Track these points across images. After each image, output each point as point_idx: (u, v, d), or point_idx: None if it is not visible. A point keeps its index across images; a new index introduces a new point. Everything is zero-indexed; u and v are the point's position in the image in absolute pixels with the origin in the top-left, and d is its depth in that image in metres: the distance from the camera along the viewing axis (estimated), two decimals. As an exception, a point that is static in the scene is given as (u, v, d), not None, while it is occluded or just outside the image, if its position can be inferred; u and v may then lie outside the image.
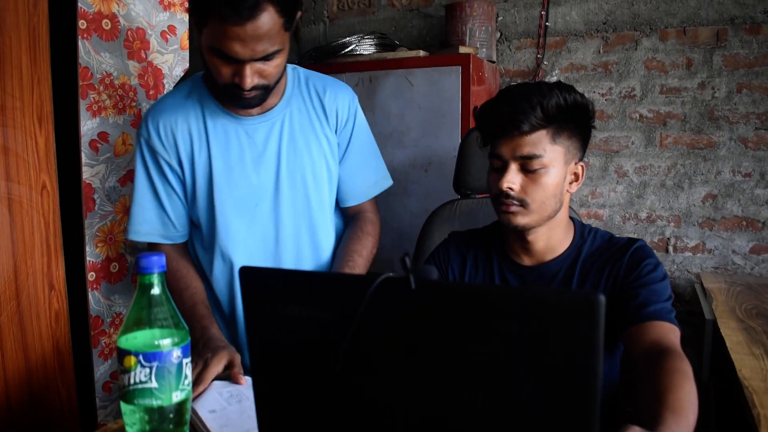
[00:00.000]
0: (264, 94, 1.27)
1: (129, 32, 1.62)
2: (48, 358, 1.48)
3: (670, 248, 2.53)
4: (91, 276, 1.59)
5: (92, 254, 1.59)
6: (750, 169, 2.39)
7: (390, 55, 2.46)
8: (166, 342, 0.82)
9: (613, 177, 2.59)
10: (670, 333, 1.08)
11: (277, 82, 1.27)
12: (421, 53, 2.41)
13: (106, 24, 1.56)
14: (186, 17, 1.78)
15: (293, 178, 1.38)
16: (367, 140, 1.51)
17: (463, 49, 2.35)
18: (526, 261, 1.27)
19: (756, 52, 2.34)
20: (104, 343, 1.64)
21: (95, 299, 1.60)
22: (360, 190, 1.50)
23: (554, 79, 2.62)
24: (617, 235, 1.27)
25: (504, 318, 0.59)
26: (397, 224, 2.47)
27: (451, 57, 2.35)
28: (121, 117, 1.62)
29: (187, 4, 1.78)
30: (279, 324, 0.73)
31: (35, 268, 1.46)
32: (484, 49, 2.49)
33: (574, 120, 1.16)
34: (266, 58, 1.18)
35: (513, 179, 1.16)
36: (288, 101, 1.38)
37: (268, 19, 1.12)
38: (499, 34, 2.70)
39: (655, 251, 1.39)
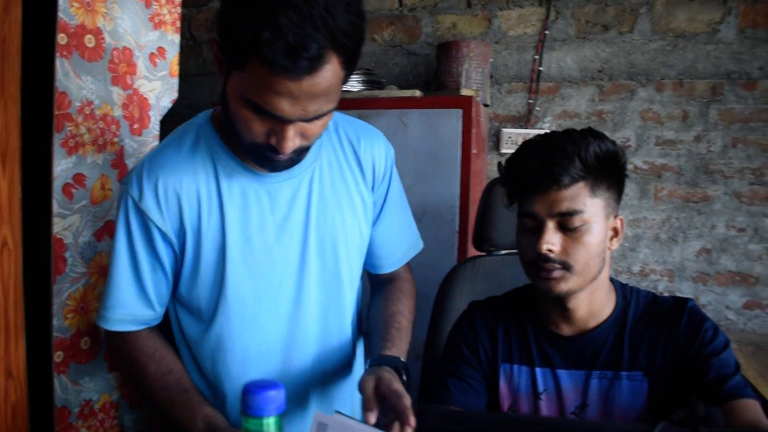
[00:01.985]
0: (299, 157, 1.01)
1: (115, 52, 1.32)
2: (0, 464, 1.13)
3: (665, 304, 2.45)
4: (58, 356, 1.25)
5: (60, 329, 1.25)
6: (744, 224, 2.36)
7: (382, 93, 2.26)
8: None
9: (607, 229, 2.49)
10: (758, 412, 0.98)
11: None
12: (417, 93, 2.22)
13: (89, 41, 1.26)
14: (177, 39, 1.50)
15: (322, 248, 1.12)
16: (403, 198, 1.29)
17: (465, 91, 2.19)
18: (566, 330, 1.12)
19: (751, 108, 2.33)
20: (70, 439, 1.30)
21: (62, 385, 1.26)
22: (397, 256, 1.28)
23: (546, 126, 2.51)
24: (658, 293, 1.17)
25: None
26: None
27: (451, 99, 2.18)
28: (101, 156, 1.31)
29: (179, 24, 1.50)
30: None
31: (-10, 351, 1.12)
32: (480, 92, 2.34)
33: (611, 169, 1.05)
34: (318, 117, 0.93)
35: (552, 240, 1.02)
36: (317, 153, 1.12)
37: (330, 73, 0.87)
38: (489, 77, 2.57)
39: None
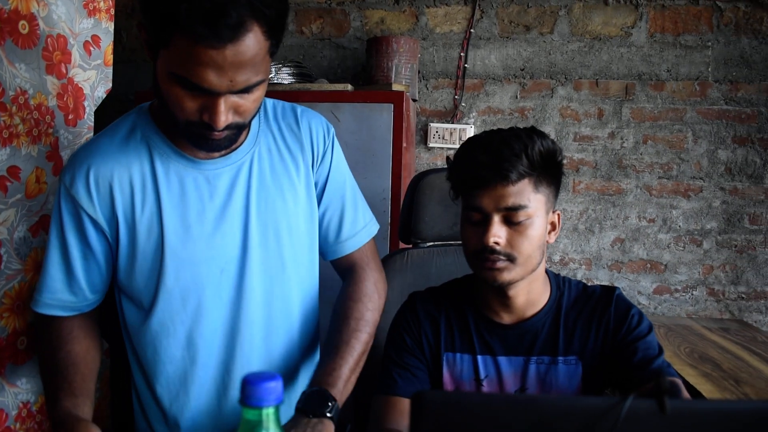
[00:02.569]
0: (236, 135, 1.00)
1: (49, 39, 1.27)
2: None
3: (583, 291, 2.59)
4: (-10, 357, 1.19)
5: (-8, 327, 1.19)
6: (654, 215, 2.53)
7: (314, 86, 2.26)
8: None
9: (530, 221, 2.60)
10: (682, 390, 1.06)
11: (252, 119, 1.02)
12: (349, 87, 2.24)
13: (23, 27, 1.20)
14: (111, 27, 1.45)
15: (265, 234, 1.11)
16: (348, 176, 1.26)
17: (396, 87, 2.23)
18: (506, 319, 1.17)
19: (660, 107, 2.50)
20: (3, 444, 1.23)
21: (-5, 387, 1.20)
22: (348, 237, 1.23)
23: (472, 121, 2.60)
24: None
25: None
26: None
27: (382, 94, 2.21)
28: (36, 147, 1.25)
29: (113, 12, 1.45)
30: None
31: None
32: (410, 88, 2.39)
33: (552, 167, 1.11)
34: (246, 90, 0.93)
35: (498, 233, 1.06)
36: (255, 138, 1.12)
37: (253, 41, 0.88)
38: (417, 73, 2.62)
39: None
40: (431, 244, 1.70)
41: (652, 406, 0.50)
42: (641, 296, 2.56)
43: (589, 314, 1.15)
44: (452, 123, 2.60)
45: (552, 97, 2.55)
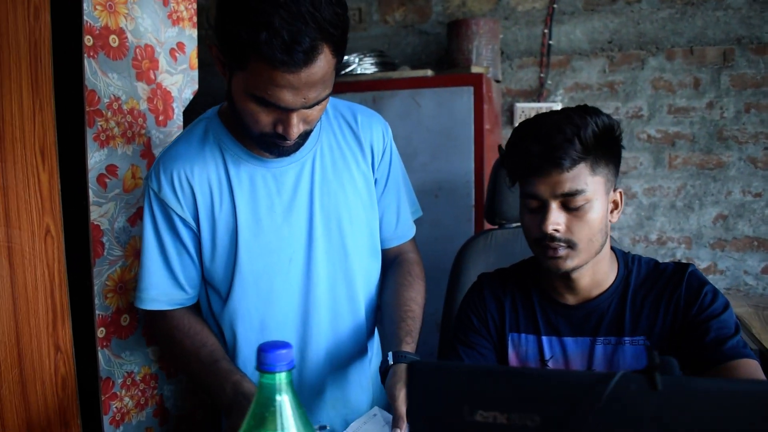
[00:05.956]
0: (304, 140, 1.10)
1: (137, 50, 1.41)
2: (54, 430, 1.25)
3: (682, 270, 2.48)
4: (100, 332, 1.37)
5: (101, 307, 1.36)
6: (760, 189, 2.38)
7: (395, 74, 2.32)
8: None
9: (622, 199, 2.52)
10: (757, 371, 1.01)
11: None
12: (429, 72, 2.28)
13: (113, 41, 1.35)
14: (195, 33, 1.58)
15: (328, 225, 1.20)
16: (403, 174, 1.35)
17: (475, 69, 2.24)
18: (571, 300, 1.15)
19: (763, 72, 2.33)
20: (115, 408, 1.41)
21: (105, 358, 1.38)
22: (401, 231, 1.34)
23: (559, 99, 2.55)
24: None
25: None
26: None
27: (462, 77, 2.23)
28: (130, 147, 1.41)
29: (195, 19, 1.59)
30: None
31: (39, 329, 1.23)
32: (491, 69, 2.39)
33: (609, 145, 1.06)
34: (316, 104, 1.01)
35: (557, 220, 1.04)
36: (317, 136, 1.20)
37: (324, 62, 0.96)
38: (501, 52, 2.60)
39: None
40: (516, 225, 1.72)
41: (644, 383, 0.51)
42: (748, 276, 2.42)
43: (659, 292, 1.11)
44: (538, 102, 2.57)
45: (643, 69, 2.45)
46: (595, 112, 1.06)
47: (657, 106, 2.45)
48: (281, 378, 0.62)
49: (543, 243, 1.07)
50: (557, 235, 1.04)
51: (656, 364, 0.51)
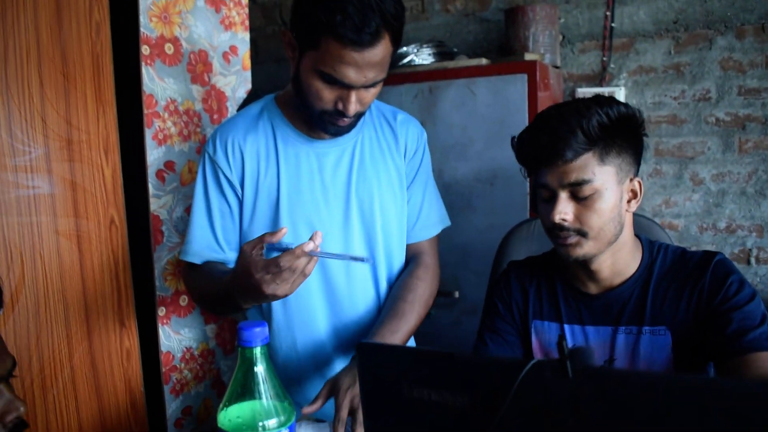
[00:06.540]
0: (355, 122, 1.24)
1: (191, 55, 1.55)
2: (120, 397, 1.43)
3: (752, 260, 2.38)
4: (161, 311, 1.54)
5: (162, 288, 1.53)
6: (841, 174, 2.23)
7: (450, 64, 2.36)
8: (272, 423, 0.73)
9: (688, 185, 2.44)
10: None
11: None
12: (483, 61, 2.30)
13: (168, 48, 1.50)
14: (247, 36, 1.71)
15: (361, 208, 1.32)
16: (431, 177, 1.46)
17: (528, 56, 2.24)
18: (593, 289, 1.17)
19: None
20: (175, 379, 1.58)
21: (165, 334, 1.54)
22: (421, 227, 1.42)
23: (622, 83, 2.49)
24: (692, 249, 1.15)
25: (683, 412, 0.50)
26: (460, 241, 2.36)
27: (516, 65, 2.24)
28: (187, 144, 1.56)
29: (247, 23, 1.71)
30: (403, 408, 0.64)
31: (106, 307, 1.41)
32: (548, 54, 2.37)
33: (621, 134, 1.07)
34: (373, 85, 1.16)
35: (565, 209, 1.07)
36: (360, 128, 1.33)
37: (384, 47, 1.12)
38: (561, 37, 2.57)
39: (735, 264, 1.27)
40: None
41: (557, 369, 0.56)
42: (826, 265, 2.28)
43: (683, 281, 1.11)
44: (601, 86, 2.52)
45: (710, 49, 2.35)
46: (607, 102, 1.07)
47: (726, 87, 2.34)
48: (257, 351, 0.72)
49: (554, 232, 1.11)
50: (565, 224, 1.08)
51: (567, 352, 0.56)
